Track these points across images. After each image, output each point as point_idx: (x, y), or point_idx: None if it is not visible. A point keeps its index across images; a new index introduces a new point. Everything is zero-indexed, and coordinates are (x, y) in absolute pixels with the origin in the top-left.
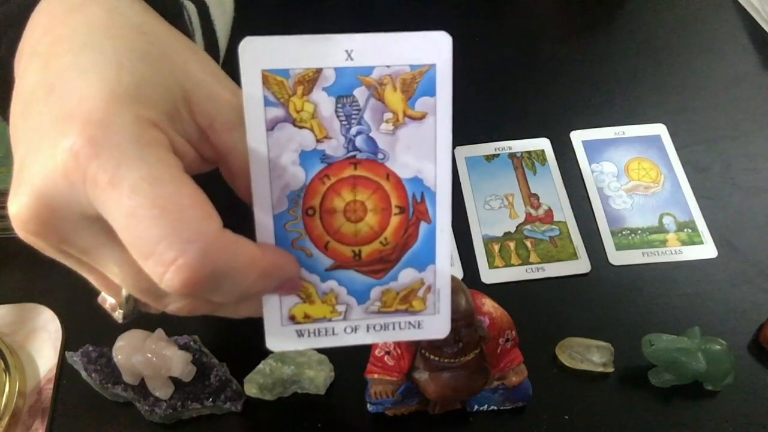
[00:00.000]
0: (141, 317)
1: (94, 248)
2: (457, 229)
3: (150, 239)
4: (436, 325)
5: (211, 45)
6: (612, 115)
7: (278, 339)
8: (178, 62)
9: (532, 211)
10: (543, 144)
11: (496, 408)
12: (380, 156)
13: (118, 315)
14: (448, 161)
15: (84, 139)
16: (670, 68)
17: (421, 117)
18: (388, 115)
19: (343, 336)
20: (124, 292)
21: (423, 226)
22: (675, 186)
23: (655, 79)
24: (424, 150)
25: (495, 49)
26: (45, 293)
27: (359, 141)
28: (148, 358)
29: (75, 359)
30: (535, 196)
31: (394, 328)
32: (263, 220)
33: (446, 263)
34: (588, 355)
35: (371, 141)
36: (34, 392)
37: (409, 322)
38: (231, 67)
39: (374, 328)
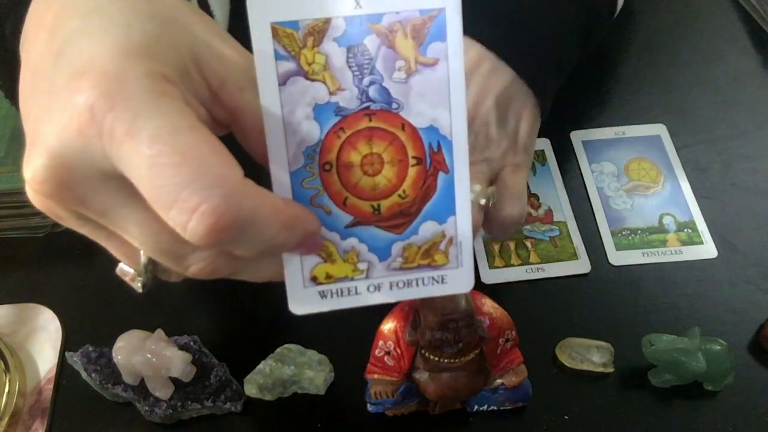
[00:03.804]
0: (142, 315)
1: (113, 208)
2: None
3: (172, 187)
4: (460, 279)
5: None
6: (612, 115)
7: (301, 302)
8: (185, 24)
9: (532, 211)
10: (543, 144)
11: (496, 408)
12: (394, 106)
13: (137, 285)
14: (463, 108)
15: (97, 92)
16: (670, 68)
17: (433, 63)
18: (400, 63)
19: (367, 295)
20: (143, 258)
21: (441, 176)
22: (675, 186)
23: (655, 79)
24: (438, 97)
25: None
26: (45, 293)
27: (372, 91)
28: (148, 359)
29: (75, 359)
30: (535, 196)
31: (417, 285)
32: (280, 177)
33: (467, 214)
34: (588, 355)
35: (384, 90)
36: (34, 392)
37: (433, 278)
38: None
39: (397, 285)
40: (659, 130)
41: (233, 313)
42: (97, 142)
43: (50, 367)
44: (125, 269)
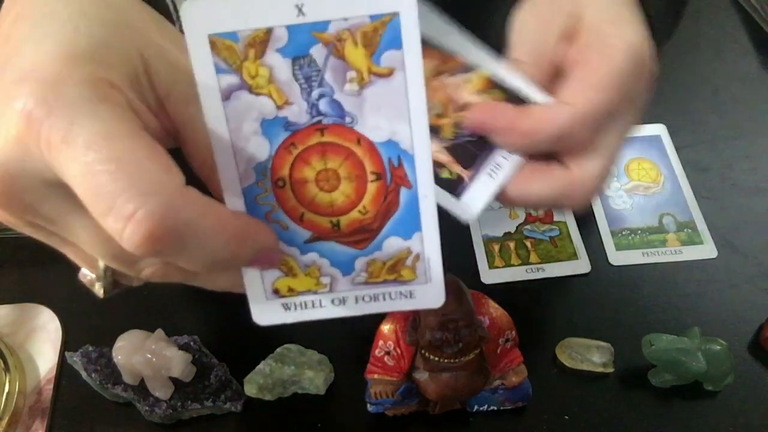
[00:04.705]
0: (142, 315)
1: (60, 216)
2: (457, 229)
3: (107, 195)
4: (429, 294)
5: None
6: None
7: (265, 313)
8: (139, 29)
9: (532, 211)
10: None
11: (496, 408)
12: (348, 119)
13: (98, 289)
14: (424, 120)
15: (34, 99)
16: (670, 68)
17: (389, 73)
18: (352, 74)
19: (332, 308)
20: (101, 264)
21: (404, 191)
22: (675, 186)
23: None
24: (396, 110)
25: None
26: (45, 293)
27: (323, 105)
28: (148, 359)
29: (75, 359)
30: None
31: (385, 299)
32: (232, 194)
33: (434, 230)
34: (588, 355)
35: (336, 104)
36: (34, 392)
37: (401, 292)
38: None
39: (363, 299)
40: (659, 130)
41: (233, 313)
42: (37, 151)
43: (50, 367)
44: (86, 273)
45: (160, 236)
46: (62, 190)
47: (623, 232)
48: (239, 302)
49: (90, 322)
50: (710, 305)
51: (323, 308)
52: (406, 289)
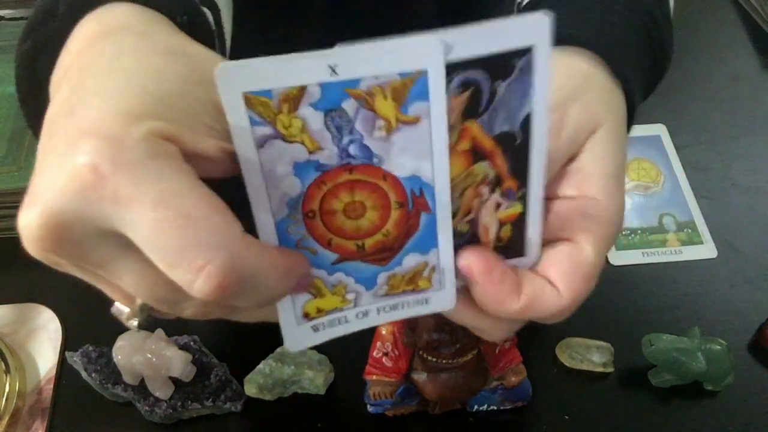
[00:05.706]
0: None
1: (110, 261)
2: None
3: (177, 249)
4: (443, 299)
5: (221, 49)
6: None
7: (297, 339)
8: (208, 79)
9: None
10: None
11: (495, 408)
12: (375, 160)
13: (132, 324)
14: (446, 156)
15: (100, 155)
16: (670, 68)
17: (415, 121)
18: (381, 123)
19: (356, 322)
20: (138, 301)
21: (423, 215)
22: (675, 186)
23: None
24: (420, 151)
25: None
26: (45, 293)
27: (353, 149)
28: (148, 359)
29: (75, 359)
30: None
31: (402, 307)
32: (266, 226)
33: (448, 244)
34: (588, 355)
35: (365, 148)
36: (34, 392)
37: (417, 300)
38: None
39: (384, 309)
40: (659, 130)
41: None
42: (97, 205)
43: (50, 367)
44: (120, 309)
45: (229, 285)
46: (115, 239)
47: (623, 232)
48: None
49: (90, 322)
50: (710, 305)
51: (348, 323)
52: (422, 296)
